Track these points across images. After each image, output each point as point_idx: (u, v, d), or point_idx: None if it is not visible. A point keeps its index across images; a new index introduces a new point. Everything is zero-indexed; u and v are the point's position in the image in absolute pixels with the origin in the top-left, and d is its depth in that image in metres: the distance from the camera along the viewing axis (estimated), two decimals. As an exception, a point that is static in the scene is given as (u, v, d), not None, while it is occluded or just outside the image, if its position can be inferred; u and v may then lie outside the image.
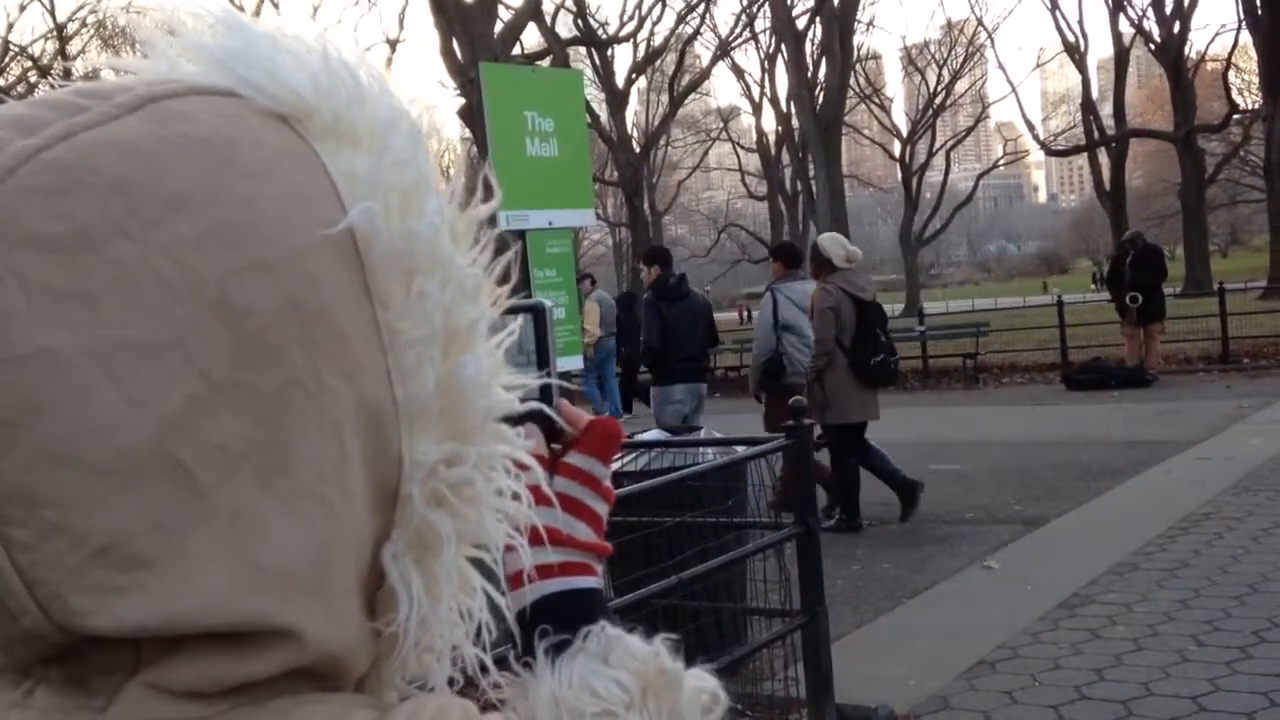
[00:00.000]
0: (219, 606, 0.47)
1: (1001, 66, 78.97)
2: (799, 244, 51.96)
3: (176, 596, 0.46)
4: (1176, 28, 38.38)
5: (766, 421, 8.09)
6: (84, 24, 37.51)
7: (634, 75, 48.91)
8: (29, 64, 35.06)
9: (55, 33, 35.97)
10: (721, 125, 62.59)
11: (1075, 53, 43.38)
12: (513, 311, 0.63)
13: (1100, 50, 75.34)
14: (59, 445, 0.44)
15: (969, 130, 60.62)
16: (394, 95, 0.57)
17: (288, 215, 0.50)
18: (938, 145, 54.73)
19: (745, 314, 43.86)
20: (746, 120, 67.11)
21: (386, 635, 0.55)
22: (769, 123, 53.78)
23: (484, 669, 0.61)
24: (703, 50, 54.68)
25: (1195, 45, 43.45)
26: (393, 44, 39.54)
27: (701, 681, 0.72)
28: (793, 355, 8.00)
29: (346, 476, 0.51)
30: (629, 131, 50.09)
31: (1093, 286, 51.91)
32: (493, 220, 0.63)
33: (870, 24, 55.88)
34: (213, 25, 0.55)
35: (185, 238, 0.47)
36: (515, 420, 0.62)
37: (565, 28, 42.30)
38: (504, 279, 0.62)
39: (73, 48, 36.88)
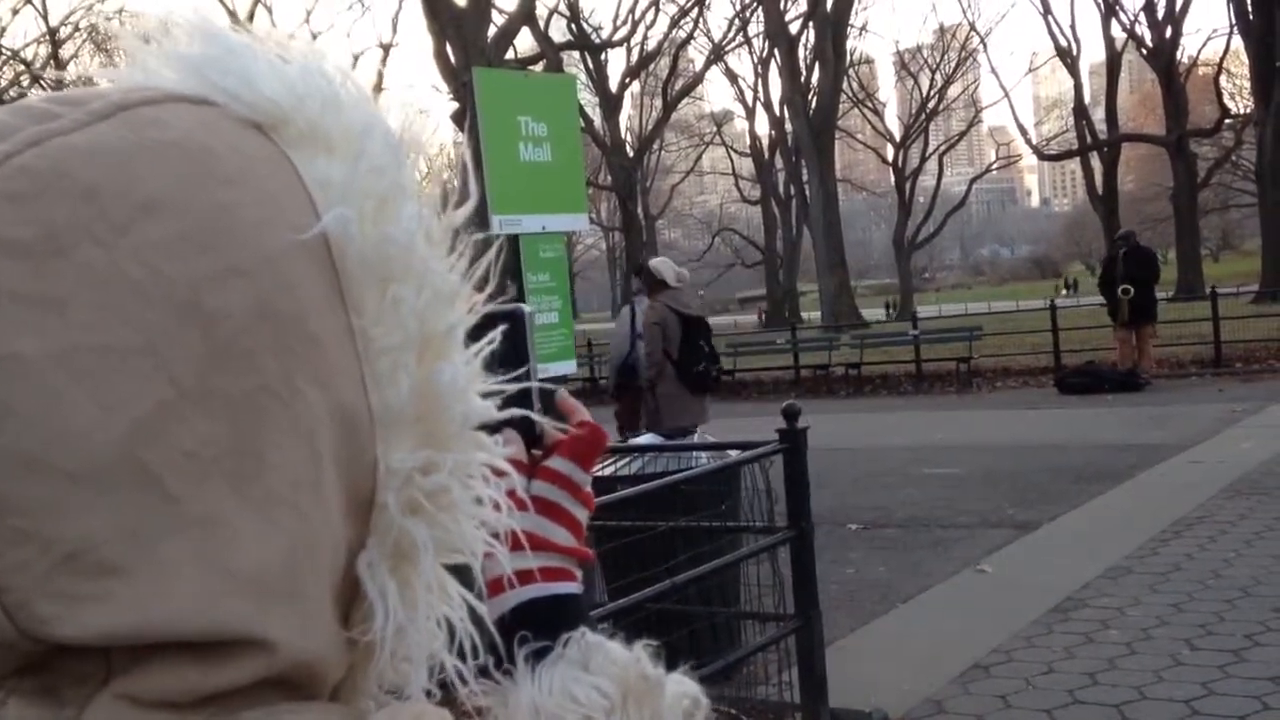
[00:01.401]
0: (189, 614, 0.46)
1: (994, 71, 79.56)
2: (794, 250, 51.71)
3: (146, 604, 0.46)
4: (1168, 32, 38.51)
5: (618, 418, 8.98)
6: (76, 28, 37.47)
7: (627, 80, 48.95)
8: (21, 68, 34.99)
9: (48, 37, 35.90)
10: (715, 130, 62.67)
11: (1067, 57, 43.48)
12: (491, 318, 0.63)
13: (1092, 55, 75.66)
14: (28, 451, 0.44)
15: (962, 135, 60.77)
16: (371, 102, 0.57)
17: (262, 222, 0.50)
18: (930, 150, 54.84)
19: (762, 316, 43.46)
20: (740, 125, 67.12)
21: (363, 644, 0.55)
22: (762, 127, 54.08)
23: (463, 679, 0.60)
24: (696, 55, 54.82)
25: (1187, 50, 43.82)
26: (386, 48, 39.59)
27: (683, 686, 0.72)
28: (644, 360, 8.51)
29: (320, 483, 0.51)
30: (623, 136, 50.13)
31: (1064, 292, 51.75)
32: (484, 224, 0.63)
33: (863, 29, 55.93)
34: (190, 33, 0.55)
35: (157, 242, 0.47)
36: (495, 427, 0.61)
37: (559, 32, 42.30)
38: (482, 284, 0.62)
39: (65, 52, 36.82)
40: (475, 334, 0.60)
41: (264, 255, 0.49)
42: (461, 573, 0.60)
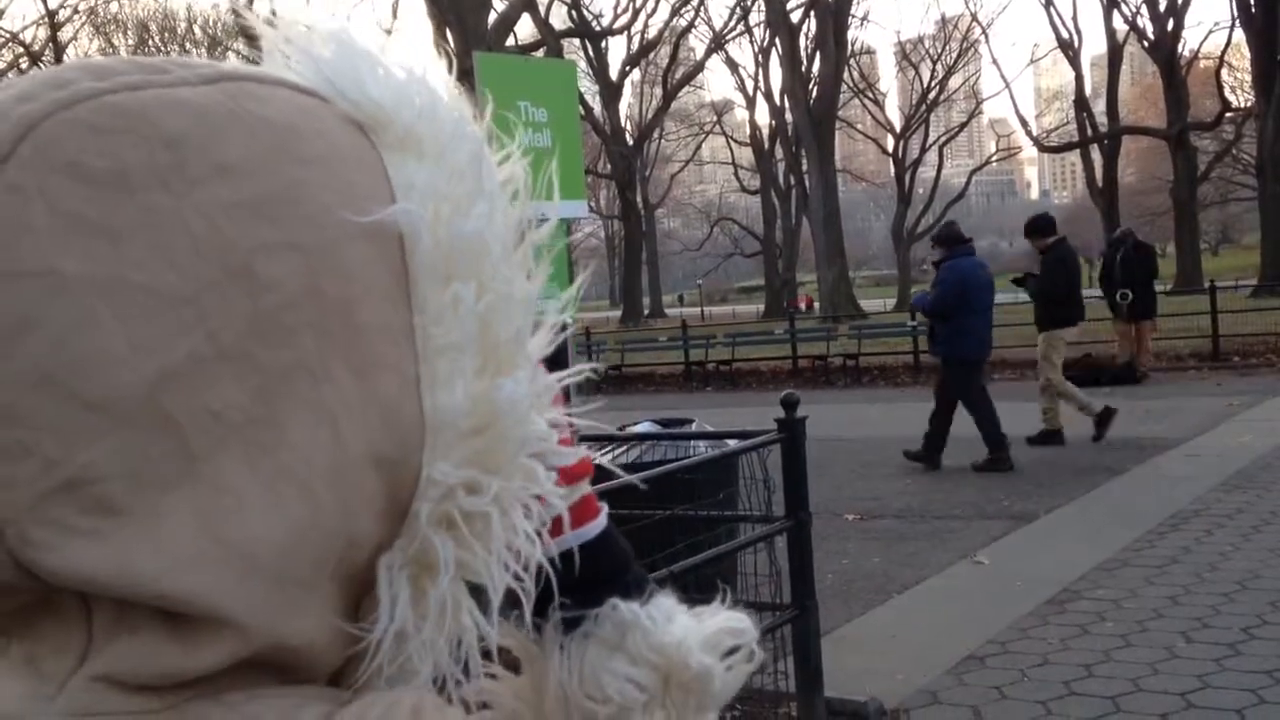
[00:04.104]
0: (171, 573, 0.46)
1: (995, 62, 79.42)
2: (793, 240, 51.61)
3: (135, 553, 0.45)
4: (1170, 25, 38.46)
5: None
6: (76, 10, 37.35)
7: (628, 67, 48.94)
8: (20, 51, 34.89)
9: (47, 19, 35.79)
10: (715, 119, 62.64)
11: (1069, 49, 43.43)
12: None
13: (1094, 47, 75.71)
14: (46, 367, 0.44)
15: (962, 126, 60.53)
16: (466, 111, 0.59)
17: (331, 206, 0.51)
18: (931, 141, 54.75)
19: (810, 304, 42.64)
20: (740, 114, 67.12)
21: (367, 639, 0.54)
22: (762, 117, 54.07)
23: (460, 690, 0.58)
24: (697, 43, 54.85)
25: (1189, 43, 43.80)
26: (386, 34, 39.52)
27: (739, 637, 0.67)
28: None
29: (341, 471, 0.50)
30: (622, 124, 50.10)
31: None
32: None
33: (864, 18, 56.07)
34: (324, 37, 0.57)
35: (224, 202, 0.48)
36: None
37: (559, 19, 42.27)
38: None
39: (64, 35, 36.70)
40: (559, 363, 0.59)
41: (327, 238, 0.50)
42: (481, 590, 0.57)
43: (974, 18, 50.24)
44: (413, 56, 0.58)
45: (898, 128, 54.74)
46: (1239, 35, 36.28)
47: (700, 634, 0.68)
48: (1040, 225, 10.66)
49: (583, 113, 38.76)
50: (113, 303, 0.45)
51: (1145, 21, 39.64)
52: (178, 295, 0.46)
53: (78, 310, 0.44)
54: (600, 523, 0.71)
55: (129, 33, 39.75)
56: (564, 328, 0.64)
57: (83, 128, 0.46)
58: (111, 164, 0.46)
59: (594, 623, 0.66)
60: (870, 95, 55.12)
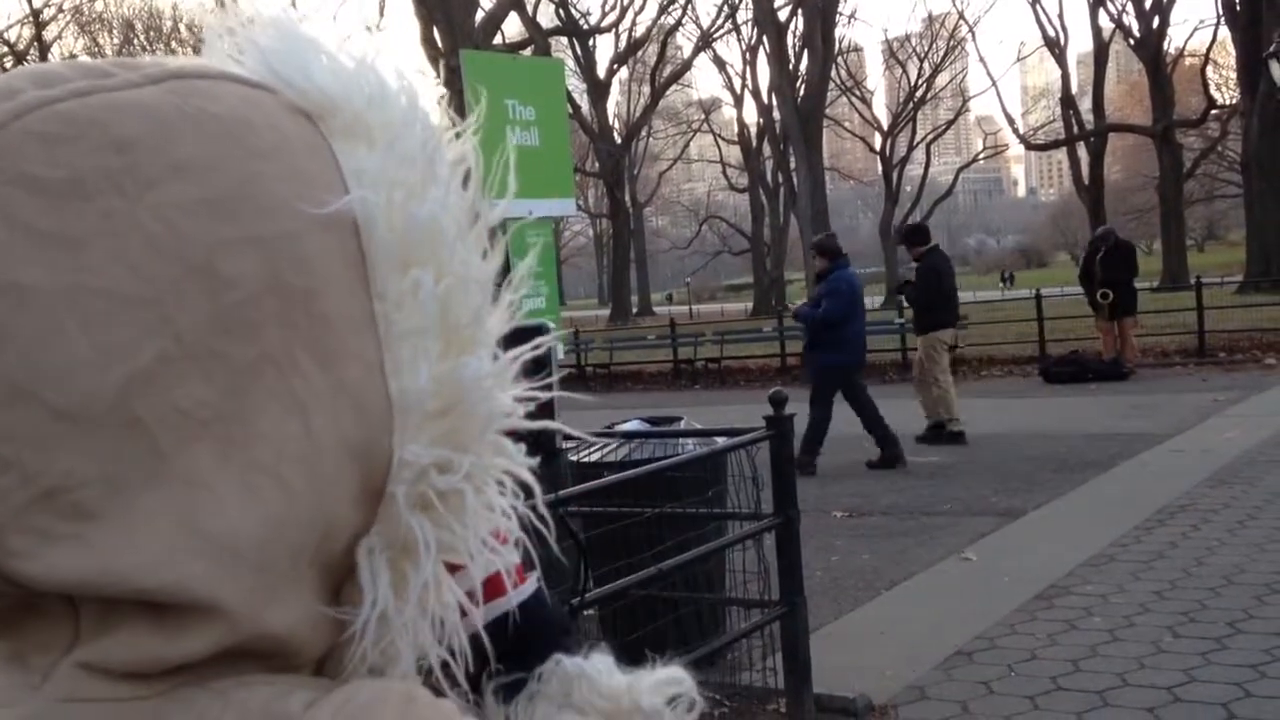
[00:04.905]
0: (155, 569, 0.46)
1: (982, 60, 79.57)
2: (781, 237, 51.50)
3: (116, 554, 0.46)
4: (1156, 23, 38.58)
5: None
6: (60, 9, 37.17)
7: (615, 66, 48.90)
8: (4, 49, 34.72)
9: (31, 18, 35.61)
10: (703, 117, 62.63)
11: (1055, 47, 43.54)
12: (517, 334, 0.61)
13: (1080, 45, 75.93)
14: (18, 380, 0.45)
15: (949, 124, 60.63)
16: (416, 97, 0.58)
17: (288, 198, 0.51)
18: (918, 138, 54.78)
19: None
20: (728, 112, 67.20)
21: (351, 626, 0.54)
22: (750, 115, 53.92)
23: (453, 680, 0.58)
24: (684, 41, 54.80)
25: (1174, 41, 43.98)
26: (372, 32, 39.42)
27: (679, 686, 0.67)
28: None
29: (314, 461, 0.50)
30: (610, 122, 50.08)
31: (1003, 285, 51.94)
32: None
33: (852, 16, 56.11)
34: (266, 26, 0.57)
35: (180, 202, 0.48)
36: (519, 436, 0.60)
37: (547, 17, 42.21)
38: (503, 277, 0.61)
39: (49, 34, 36.53)
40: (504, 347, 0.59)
41: (285, 230, 0.50)
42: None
43: (961, 16, 50.29)
44: (363, 46, 0.58)
45: (885, 126, 54.79)
46: (1224, 33, 36.45)
47: (645, 680, 0.67)
48: (914, 234, 11.31)
49: (570, 111, 38.72)
50: (76, 311, 0.45)
51: (1131, 19, 39.77)
52: (140, 298, 0.46)
53: (42, 321, 0.45)
54: (530, 586, 0.71)
55: (114, 31, 39.58)
56: (544, 334, 0.64)
57: (34, 138, 0.46)
58: (66, 173, 0.46)
59: (539, 681, 0.65)
60: (858, 93, 55.15)
